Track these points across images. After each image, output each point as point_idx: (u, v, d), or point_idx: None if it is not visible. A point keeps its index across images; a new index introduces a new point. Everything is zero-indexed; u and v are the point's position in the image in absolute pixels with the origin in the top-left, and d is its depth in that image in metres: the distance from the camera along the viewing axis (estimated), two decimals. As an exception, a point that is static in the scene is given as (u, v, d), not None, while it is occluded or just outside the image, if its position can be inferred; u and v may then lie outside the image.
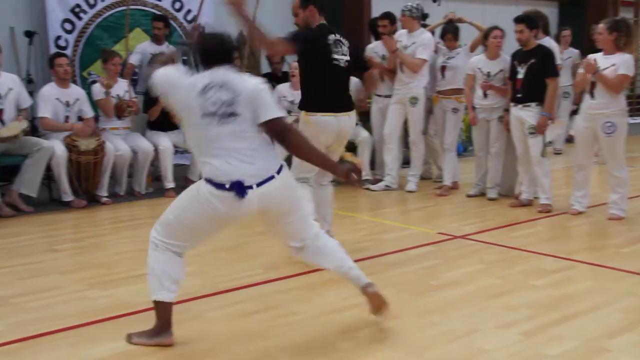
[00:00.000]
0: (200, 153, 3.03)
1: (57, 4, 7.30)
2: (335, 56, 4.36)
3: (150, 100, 6.78)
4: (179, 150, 7.12)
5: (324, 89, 4.35)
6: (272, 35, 4.21)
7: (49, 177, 6.29)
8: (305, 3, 4.37)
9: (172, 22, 7.88)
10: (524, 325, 3.26)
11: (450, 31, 6.86)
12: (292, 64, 6.91)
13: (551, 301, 3.63)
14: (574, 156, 6.28)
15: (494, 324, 3.29)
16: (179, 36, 7.99)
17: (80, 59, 7.49)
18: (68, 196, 6.11)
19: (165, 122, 6.83)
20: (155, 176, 7.03)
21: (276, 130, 3.04)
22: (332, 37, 4.37)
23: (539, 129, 5.80)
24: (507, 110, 6.12)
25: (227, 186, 2.90)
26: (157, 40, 7.47)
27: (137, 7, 7.76)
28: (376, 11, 8.66)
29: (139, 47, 7.46)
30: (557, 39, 8.54)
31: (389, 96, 7.08)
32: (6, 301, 3.63)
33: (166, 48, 7.41)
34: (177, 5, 8.13)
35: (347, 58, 4.42)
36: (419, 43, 6.67)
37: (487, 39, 6.31)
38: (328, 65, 4.34)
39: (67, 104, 6.33)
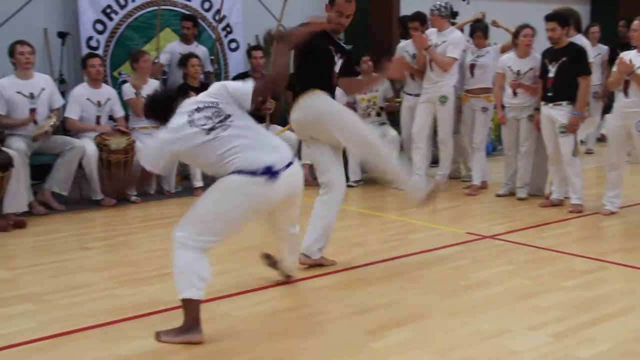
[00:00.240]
0: (221, 161, 3.11)
1: (89, 5, 7.40)
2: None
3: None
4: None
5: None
6: None
7: (80, 175, 6.39)
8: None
9: (201, 21, 7.94)
10: (555, 327, 3.22)
11: (479, 29, 6.80)
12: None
13: (582, 302, 3.57)
14: (606, 155, 6.19)
15: (524, 325, 3.25)
16: (208, 36, 8.04)
17: (111, 59, 7.58)
18: (98, 195, 6.19)
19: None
20: (184, 175, 7.08)
21: (261, 94, 3.39)
22: None
23: (570, 128, 5.72)
24: (537, 110, 6.05)
25: (260, 171, 3.05)
26: (185, 39, 7.54)
27: (167, 7, 7.83)
28: (404, 10, 8.64)
29: (168, 46, 7.53)
30: (586, 35, 8.42)
31: (419, 95, 7.04)
32: (39, 298, 3.68)
33: (195, 47, 7.48)
34: (207, 5, 8.18)
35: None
36: (449, 42, 6.62)
37: (518, 37, 6.24)
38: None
39: (99, 104, 6.41)
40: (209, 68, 7.71)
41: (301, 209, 3.56)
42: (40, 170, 6.30)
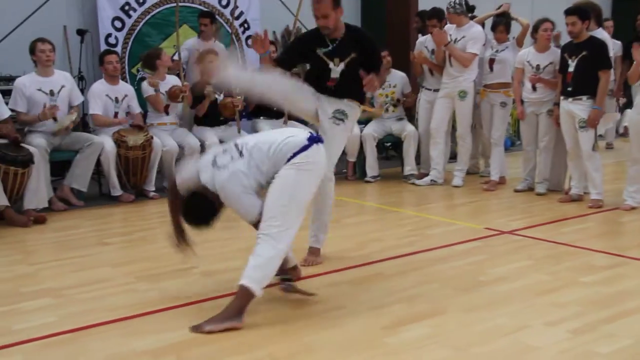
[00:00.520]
0: (274, 159, 3.23)
1: (107, 3, 7.46)
2: None
3: (197, 96, 6.88)
4: (225, 146, 7.17)
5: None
6: None
7: (98, 172, 6.44)
8: (337, 3, 4.00)
9: (218, 18, 7.96)
10: (574, 323, 3.19)
11: (502, 23, 6.76)
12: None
13: (602, 298, 3.54)
14: (627, 150, 6.12)
15: (542, 320, 3.22)
16: (226, 33, 8.06)
17: (130, 55, 7.64)
18: (117, 191, 6.24)
19: (212, 117, 6.93)
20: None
21: None
22: None
23: (590, 123, 5.67)
24: (557, 104, 6.00)
25: (307, 144, 3.23)
26: (204, 36, 7.56)
27: (185, 4, 7.86)
28: (422, 5, 8.59)
29: (186, 43, 7.56)
30: None
31: (438, 90, 7.03)
32: (59, 293, 3.72)
33: (213, 44, 7.50)
34: (224, 1, 8.21)
35: None
36: (468, 37, 6.60)
37: (537, 31, 6.19)
38: None
39: (116, 100, 6.46)
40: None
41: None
42: (59, 167, 6.37)
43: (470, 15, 7.03)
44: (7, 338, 3.08)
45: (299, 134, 3.33)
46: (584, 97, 5.71)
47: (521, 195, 6.37)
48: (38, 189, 5.52)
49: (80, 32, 7.31)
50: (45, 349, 2.98)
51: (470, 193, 6.58)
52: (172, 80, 6.76)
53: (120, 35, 7.58)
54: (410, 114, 7.60)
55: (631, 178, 5.68)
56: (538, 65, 6.15)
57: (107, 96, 6.41)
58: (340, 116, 4.07)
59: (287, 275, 3.59)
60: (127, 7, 7.58)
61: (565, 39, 6.24)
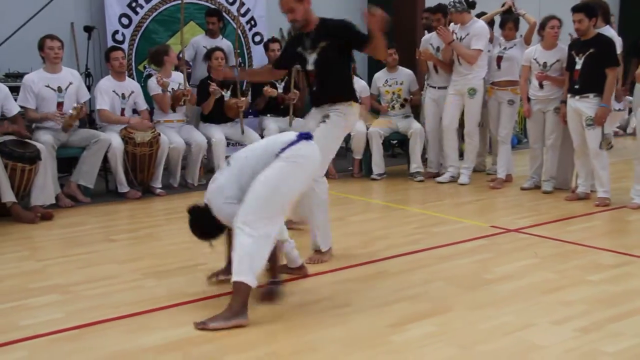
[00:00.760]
0: (265, 158, 3.27)
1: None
2: None
3: (203, 93, 6.89)
4: (231, 143, 7.20)
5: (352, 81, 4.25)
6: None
7: (105, 168, 6.46)
8: None
9: (225, 15, 7.96)
10: (580, 321, 3.18)
11: (511, 20, 6.74)
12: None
13: (609, 297, 3.53)
14: (633, 148, 6.10)
15: (548, 319, 3.22)
16: (232, 30, 8.07)
17: (136, 52, 7.65)
18: (124, 187, 6.25)
19: (219, 115, 6.95)
20: (208, 168, 7.13)
21: None
22: None
23: (597, 121, 5.65)
24: (564, 102, 5.98)
25: (296, 139, 3.29)
26: (211, 34, 7.57)
27: (191, 1, 7.87)
28: (429, 2, 8.57)
29: (194, 40, 7.58)
30: None
31: (442, 87, 7.03)
32: (66, 289, 3.74)
33: (220, 41, 7.51)
34: (231, -2, 8.21)
35: None
36: (472, 33, 6.59)
37: (544, 28, 6.17)
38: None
39: (123, 97, 6.47)
40: (233, 62, 7.75)
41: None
42: (66, 163, 6.40)
43: (478, 13, 7.03)
44: (14, 334, 3.10)
45: (289, 133, 3.43)
46: (591, 95, 5.69)
47: (528, 193, 6.35)
48: (45, 186, 5.54)
49: (88, 29, 7.33)
50: (51, 345, 3.00)
51: (477, 191, 6.57)
52: (178, 78, 6.77)
53: (127, 32, 7.59)
54: (417, 112, 7.59)
55: (638, 176, 5.66)
56: (545, 63, 6.13)
57: (114, 92, 6.42)
58: (323, 118, 4.05)
59: (277, 279, 3.57)
60: (134, 4, 7.59)
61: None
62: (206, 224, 3.39)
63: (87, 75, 7.22)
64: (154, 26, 7.75)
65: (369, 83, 7.71)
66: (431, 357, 2.83)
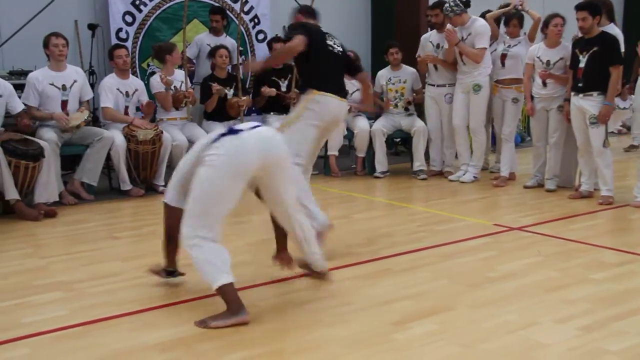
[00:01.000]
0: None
1: (118, -3, 7.49)
2: (329, 42, 4.45)
3: (206, 91, 6.89)
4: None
5: (327, 73, 4.41)
6: (284, 45, 4.37)
7: (108, 166, 6.47)
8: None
9: (228, 12, 7.95)
10: (583, 320, 3.18)
11: (515, 17, 6.72)
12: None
13: (612, 295, 3.53)
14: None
15: (551, 317, 3.21)
16: (236, 27, 8.07)
17: (140, 50, 7.65)
18: (127, 185, 6.26)
19: (221, 112, 6.95)
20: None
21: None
22: (322, 29, 4.51)
23: (601, 119, 5.63)
24: (567, 100, 5.97)
25: (219, 136, 3.21)
26: (215, 32, 7.57)
27: (195, -1, 7.87)
28: (432, 0, 8.55)
29: (197, 38, 7.57)
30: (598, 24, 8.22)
31: (441, 85, 7.04)
32: (70, 286, 3.74)
33: (224, 39, 7.51)
34: (234, -4, 8.20)
35: (340, 49, 4.52)
36: (474, 33, 6.59)
37: (547, 26, 6.15)
38: (329, 52, 4.43)
39: (127, 94, 6.48)
40: (236, 61, 7.76)
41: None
42: (70, 161, 6.40)
43: (484, 11, 7.01)
44: (17, 331, 3.11)
45: (214, 132, 3.36)
46: (595, 93, 5.67)
47: (531, 191, 6.35)
48: (49, 183, 5.55)
49: (92, 27, 7.32)
50: (55, 342, 3.00)
51: (480, 189, 6.56)
52: (179, 77, 6.77)
53: (131, 30, 7.60)
54: (420, 110, 7.59)
55: (642, 175, 5.65)
56: (548, 61, 6.12)
57: (118, 90, 6.42)
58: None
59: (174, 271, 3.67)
60: (137, 2, 7.60)
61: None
62: None
63: (90, 73, 7.22)
64: (158, 24, 7.75)
65: (372, 81, 7.70)
66: (434, 356, 2.83)
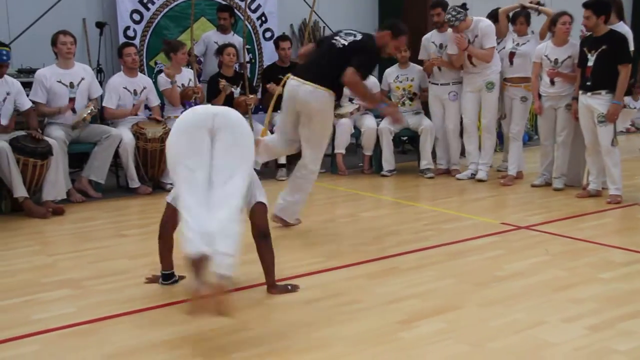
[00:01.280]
0: None
1: (126, -5, 7.50)
2: (337, 38, 4.66)
3: (213, 89, 6.90)
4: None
5: (310, 59, 4.71)
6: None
7: (116, 164, 6.49)
8: None
9: (236, 10, 7.95)
10: (591, 319, 3.17)
11: (522, 14, 6.69)
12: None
13: (620, 295, 3.51)
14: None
15: (559, 316, 3.21)
16: (242, 26, 8.07)
17: (148, 48, 7.67)
18: (134, 183, 6.28)
19: (229, 110, 6.95)
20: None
21: None
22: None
23: (609, 118, 5.61)
24: (575, 99, 5.94)
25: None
26: (222, 29, 7.58)
27: (202, -3, 7.87)
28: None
29: (205, 36, 7.58)
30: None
31: (445, 84, 7.04)
32: (78, 284, 3.76)
33: (232, 37, 7.51)
34: (241, -6, 8.20)
35: (345, 42, 4.62)
36: (481, 34, 6.58)
37: (555, 25, 6.13)
38: (327, 42, 4.72)
39: (135, 93, 6.49)
40: (243, 59, 7.75)
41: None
42: (78, 159, 6.42)
43: (495, 8, 6.99)
44: (26, 328, 3.12)
45: None
46: (603, 92, 5.65)
47: (538, 190, 6.33)
48: (57, 181, 5.57)
49: (99, 25, 7.34)
50: (63, 339, 3.02)
51: (487, 188, 6.55)
52: (188, 75, 6.78)
53: (139, 28, 7.61)
54: (426, 109, 7.57)
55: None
56: (556, 60, 6.09)
57: (125, 89, 6.44)
58: None
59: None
60: (145, 0, 7.61)
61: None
62: None
63: (98, 71, 7.24)
64: (165, 22, 7.76)
65: (380, 79, 7.70)
66: (441, 354, 2.82)
